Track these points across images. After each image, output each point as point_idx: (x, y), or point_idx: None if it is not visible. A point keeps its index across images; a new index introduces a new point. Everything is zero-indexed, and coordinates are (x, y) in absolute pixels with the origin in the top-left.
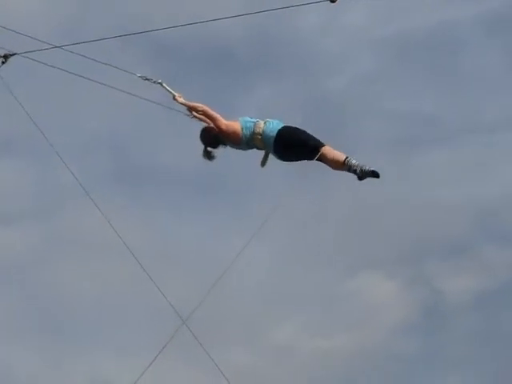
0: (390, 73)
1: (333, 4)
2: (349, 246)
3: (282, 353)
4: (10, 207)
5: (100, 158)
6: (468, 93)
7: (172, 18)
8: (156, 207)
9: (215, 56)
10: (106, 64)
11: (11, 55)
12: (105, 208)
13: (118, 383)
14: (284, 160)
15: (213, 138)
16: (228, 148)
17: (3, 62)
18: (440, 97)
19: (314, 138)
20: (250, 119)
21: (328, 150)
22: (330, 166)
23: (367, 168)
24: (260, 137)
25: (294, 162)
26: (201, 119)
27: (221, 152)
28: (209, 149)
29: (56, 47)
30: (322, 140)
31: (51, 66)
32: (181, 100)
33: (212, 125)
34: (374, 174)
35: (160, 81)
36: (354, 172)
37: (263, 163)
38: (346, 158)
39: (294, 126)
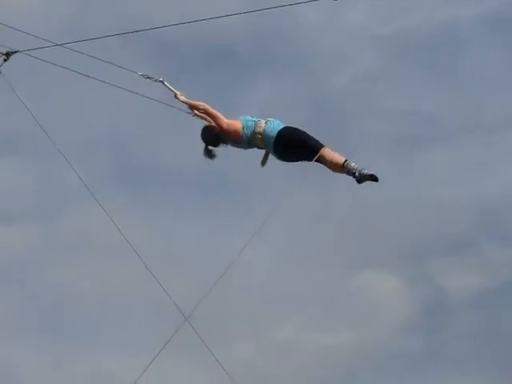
0: (390, 71)
1: (334, 2)
2: (351, 244)
3: (284, 350)
4: (12, 206)
5: (101, 156)
6: (469, 92)
7: (173, 16)
8: (157, 206)
9: (216, 54)
10: (107, 62)
11: (13, 53)
12: (106, 207)
13: (120, 380)
14: (284, 160)
15: (214, 136)
16: (229, 147)
17: (5, 60)
18: (441, 96)
19: (314, 139)
20: (251, 118)
21: (327, 152)
22: (329, 167)
23: (366, 172)
24: (260, 136)
25: (294, 163)
26: (202, 118)
27: (222, 151)
28: (210, 147)
29: (58, 45)
30: (322, 142)
31: (53, 64)
32: (182, 98)
33: (213, 123)
34: (373, 178)
35: (161, 79)
36: (353, 175)
37: (263, 163)
38: (345, 160)
39: (294, 126)
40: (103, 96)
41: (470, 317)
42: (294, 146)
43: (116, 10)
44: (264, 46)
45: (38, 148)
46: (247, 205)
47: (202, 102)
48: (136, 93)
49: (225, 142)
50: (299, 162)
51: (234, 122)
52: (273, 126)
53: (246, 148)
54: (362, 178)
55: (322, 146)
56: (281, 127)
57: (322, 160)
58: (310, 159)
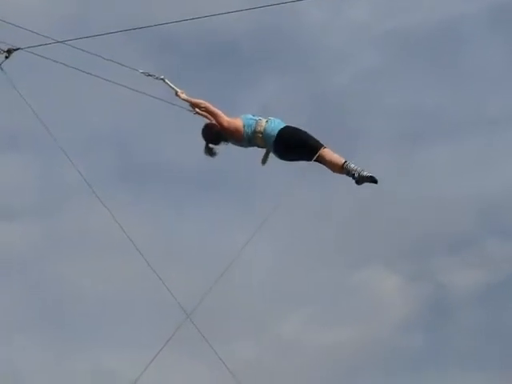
0: (392, 68)
1: None
2: (351, 241)
3: (287, 347)
4: (13, 202)
5: (103, 153)
6: (471, 88)
7: (175, 13)
8: (159, 203)
9: (218, 51)
10: (108, 60)
11: (14, 50)
12: (108, 204)
13: (121, 378)
14: (284, 159)
15: (215, 134)
16: (230, 145)
17: (6, 57)
18: (442, 92)
19: (314, 139)
20: (252, 117)
21: (327, 153)
22: (328, 168)
23: (365, 173)
24: (261, 135)
25: (294, 162)
26: (203, 115)
27: (223, 149)
28: (210, 145)
29: (59, 42)
30: (322, 142)
31: (54, 61)
32: (183, 96)
33: (214, 121)
34: (372, 180)
35: (162, 77)
36: (353, 176)
37: (264, 161)
38: (345, 161)
39: (294, 126)
40: (104, 93)
41: (472, 312)
42: (293, 145)
43: (117, 7)
44: (266, 44)
45: (39, 145)
46: (248, 202)
47: (202, 100)
48: (137, 90)
49: (226, 140)
50: (300, 162)
51: (234, 121)
52: (273, 125)
53: (246, 146)
54: (361, 180)
55: (321, 146)
56: (281, 126)
57: (322, 160)
58: (309, 159)
